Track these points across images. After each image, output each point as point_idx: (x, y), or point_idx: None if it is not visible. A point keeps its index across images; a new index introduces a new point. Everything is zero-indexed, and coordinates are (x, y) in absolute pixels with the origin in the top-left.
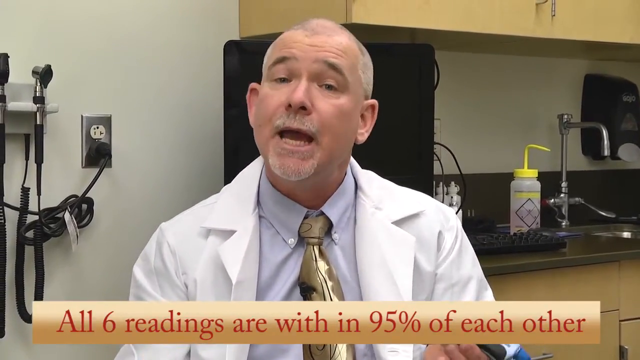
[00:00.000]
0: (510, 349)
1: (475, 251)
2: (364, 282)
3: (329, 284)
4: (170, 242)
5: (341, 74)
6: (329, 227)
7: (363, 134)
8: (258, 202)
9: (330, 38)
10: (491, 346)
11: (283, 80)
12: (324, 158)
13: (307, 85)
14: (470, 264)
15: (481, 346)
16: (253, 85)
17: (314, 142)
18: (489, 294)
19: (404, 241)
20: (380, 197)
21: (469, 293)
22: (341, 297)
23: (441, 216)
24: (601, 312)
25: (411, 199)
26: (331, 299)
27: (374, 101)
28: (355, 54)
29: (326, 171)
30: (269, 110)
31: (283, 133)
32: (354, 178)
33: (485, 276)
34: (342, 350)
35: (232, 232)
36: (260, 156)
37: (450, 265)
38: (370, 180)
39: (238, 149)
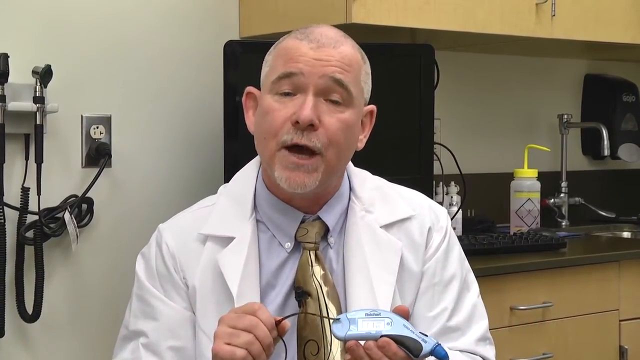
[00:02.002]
0: (427, 345)
1: (475, 251)
2: (348, 288)
3: (324, 289)
4: (169, 244)
5: (346, 89)
6: (325, 231)
7: (362, 140)
8: (255, 206)
9: (335, 50)
10: (408, 342)
11: (288, 94)
12: (327, 171)
13: (314, 102)
14: (455, 265)
15: (398, 342)
16: (250, 89)
17: (318, 156)
18: (470, 295)
19: (390, 247)
20: (372, 200)
21: (449, 294)
22: (336, 303)
23: (433, 216)
24: (601, 312)
25: (403, 201)
26: (326, 305)
27: (373, 107)
28: (359, 66)
29: (328, 181)
30: (275, 125)
31: (289, 147)
32: (349, 179)
33: (485, 276)
34: (336, 355)
35: (231, 238)
36: (256, 159)
37: (435, 264)
38: (363, 181)
39: (238, 149)
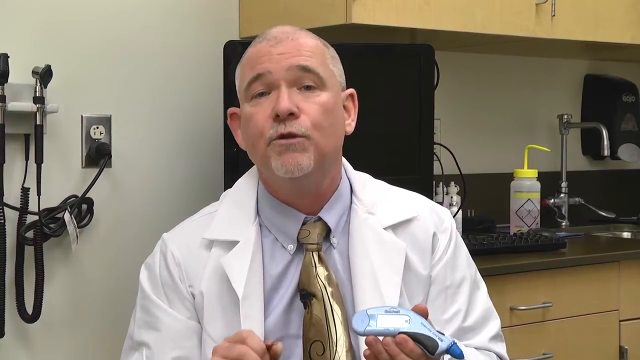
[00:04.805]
0: (443, 343)
1: (475, 251)
2: (355, 288)
3: (329, 290)
4: (174, 254)
5: (315, 73)
6: (327, 232)
7: (350, 124)
8: (257, 211)
9: (294, 42)
10: (425, 340)
11: (262, 94)
12: (318, 151)
13: (289, 93)
14: (464, 266)
15: (415, 340)
16: (232, 110)
17: (304, 137)
18: (480, 294)
19: (395, 248)
20: (374, 202)
21: (462, 295)
22: (340, 303)
23: (435, 218)
24: (601, 312)
25: (405, 203)
26: (331, 305)
27: (352, 90)
28: (321, 51)
29: (324, 166)
30: (258, 127)
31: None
32: (349, 181)
33: (485, 276)
34: (341, 355)
35: (235, 242)
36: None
37: (444, 267)
38: (364, 183)
39: (238, 149)
